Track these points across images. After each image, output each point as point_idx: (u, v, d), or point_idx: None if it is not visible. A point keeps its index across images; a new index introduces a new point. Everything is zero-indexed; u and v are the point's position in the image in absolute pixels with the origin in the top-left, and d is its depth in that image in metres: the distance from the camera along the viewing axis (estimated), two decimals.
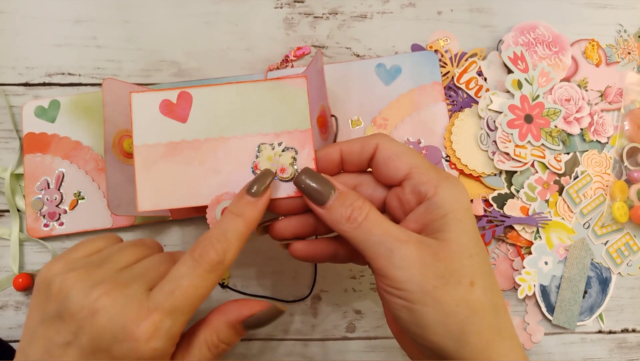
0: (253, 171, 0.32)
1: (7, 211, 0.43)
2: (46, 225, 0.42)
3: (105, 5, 0.45)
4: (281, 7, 0.46)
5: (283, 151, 0.33)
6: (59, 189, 0.42)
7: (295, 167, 0.32)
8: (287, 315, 0.43)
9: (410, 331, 0.27)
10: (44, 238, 0.42)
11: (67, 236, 0.42)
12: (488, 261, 0.28)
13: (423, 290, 0.26)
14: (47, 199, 0.42)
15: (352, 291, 0.43)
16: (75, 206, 0.42)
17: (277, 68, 0.45)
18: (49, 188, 0.42)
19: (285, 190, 0.32)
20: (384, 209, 0.32)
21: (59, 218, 0.42)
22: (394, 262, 0.26)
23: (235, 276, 0.43)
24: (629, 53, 0.47)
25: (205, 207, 0.32)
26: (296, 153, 0.33)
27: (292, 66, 0.45)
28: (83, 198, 0.42)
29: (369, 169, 0.32)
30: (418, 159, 0.29)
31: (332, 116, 0.39)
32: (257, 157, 0.33)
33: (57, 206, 0.42)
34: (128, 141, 0.39)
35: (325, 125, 0.39)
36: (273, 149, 0.33)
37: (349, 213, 0.28)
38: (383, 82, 0.45)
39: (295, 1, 0.46)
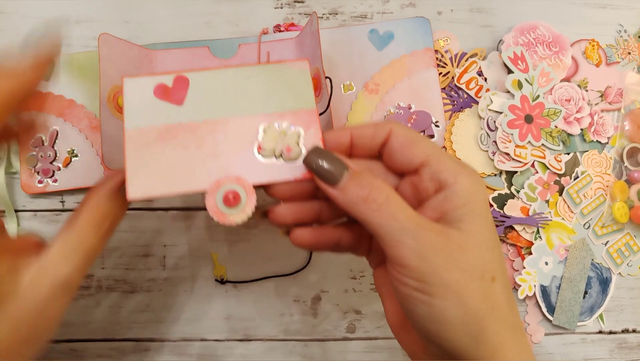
0: (257, 154, 0.30)
1: (2, 211, 0.43)
2: (40, 182, 0.43)
3: (105, 5, 0.45)
4: (281, 7, 0.46)
5: (288, 130, 0.31)
6: (52, 147, 0.43)
7: (302, 146, 0.30)
8: (287, 315, 0.43)
9: (425, 328, 0.26)
10: (38, 194, 0.43)
11: (61, 193, 0.43)
12: (502, 253, 0.28)
13: (446, 284, 0.24)
14: (41, 156, 0.43)
15: (353, 291, 0.43)
16: (68, 164, 0.43)
17: (278, 32, 0.45)
18: (43, 145, 0.43)
19: (292, 172, 0.29)
20: None
21: (52, 175, 0.43)
22: (416, 251, 0.25)
23: (235, 279, 0.43)
24: (629, 53, 0.47)
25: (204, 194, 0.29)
26: (302, 133, 0.31)
27: (286, 30, 0.45)
28: (76, 156, 0.43)
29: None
30: (434, 147, 0.28)
31: (327, 77, 0.39)
32: (260, 138, 0.30)
33: (51, 163, 0.43)
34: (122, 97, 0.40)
35: (318, 87, 0.39)
36: (278, 128, 0.30)
37: (367, 193, 0.26)
38: (375, 48, 0.45)
39: (295, 1, 0.46)
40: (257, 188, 0.29)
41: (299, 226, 0.30)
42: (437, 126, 0.44)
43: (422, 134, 0.30)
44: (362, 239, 0.30)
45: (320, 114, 0.39)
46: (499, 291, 0.25)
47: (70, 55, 0.44)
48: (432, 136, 0.44)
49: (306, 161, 0.28)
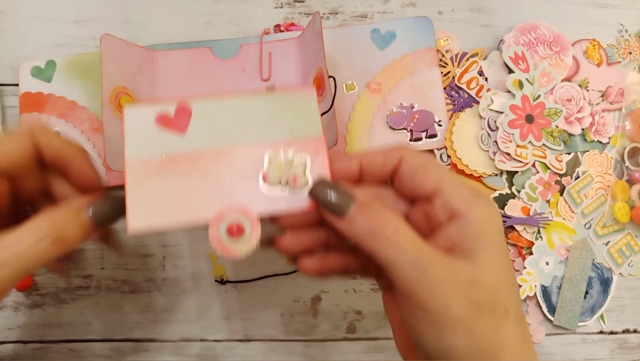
0: (262, 183, 0.29)
1: None
2: None
3: (105, 5, 0.45)
4: (281, 7, 0.46)
5: (294, 158, 0.30)
6: None
7: (308, 176, 0.29)
8: (287, 315, 0.43)
9: (435, 360, 0.25)
10: None
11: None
12: (517, 285, 0.27)
13: (456, 318, 0.24)
14: None
15: (353, 291, 0.43)
16: None
17: (279, 31, 0.45)
18: None
19: (299, 202, 0.28)
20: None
21: None
22: (426, 285, 0.24)
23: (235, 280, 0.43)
24: (630, 53, 0.47)
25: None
26: (309, 161, 0.30)
27: (286, 30, 0.45)
28: None
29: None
30: (447, 172, 0.27)
31: (330, 77, 0.39)
32: (266, 167, 0.29)
33: None
34: (125, 98, 0.40)
35: (321, 87, 0.39)
36: (283, 157, 0.29)
37: (374, 225, 0.25)
38: (377, 47, 0.45)
39: (295, 1, 0.46)
40: (262, 218, 0.28)
41: (305, 253, 0.29)
42: (440, 125, 0.44)
43: (434, 158, 0.28)
44: (370, 263, 0.29)
45: (324, 114, 0.39)
46: (511, 325, 0.25)
47: (72, 57, 0.44)
48: (434, 135, 0.44)
49: (312, 193, 0.28)
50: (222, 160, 0.29)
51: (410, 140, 0.44)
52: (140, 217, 0.28)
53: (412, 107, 0.44)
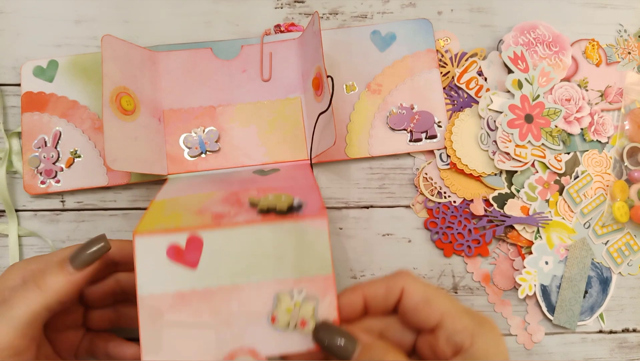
0: (270, 324, 0.29)
1: (3, 211, 0.43)
2: (43, 182, 0.43)
3: (106, 5, 0.45)
4: (281, 7, 0.46)
5: (303, 300, 0.30)
6: (55, 147, 0.43)
7: (317, 318, 0.29)
8: None
9: None
10: (40, 195, 0.43)
11: (62, 193, 0.43)
12: None
13: None
14: (44, 157, 0.43)
15: None
16: (71, 164, 0.43)
17: (279, 32, 0.45)
18: (46, 145, 0.43)
19: (306, 343, 0.29)
20: (413, 351, 0.30)
21: (55, 176, 0.43)
22: None
23: None
24: (629, 53, 0.47)
25: None
26: (317, 302, 0.30)
27: (286, 31, 0.45)
28: (79, 156, 0.43)
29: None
30: (449, 303, 0.27)
31: (329, 76, 0.39)
32: (274, 307, 0.30)
33: (53, 163, 0.43)
34: (125, 98, 0.40)
35: (320, 86, 0.40)
36: (292, 298, 0.30)
37: None
38: (378, 49, 0.45)
39: (295, 1, 0.46)
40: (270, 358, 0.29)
41: None
42: (440, 126, 0.44)
43: (436, 288, 0.28)
44: None
45: (322, 113, 0.39)
46: None
47: (74, 57, 0.44)
48: (434, 136, 0.44)
49: (316, 338, 0.28)
50: (233, 299, 0.29)
51: (410, 140, 0.44)
52: (154, 354, 0.29)
53: (412, 108, 0.45)
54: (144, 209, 0.43)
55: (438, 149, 0.44)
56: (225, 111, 0.44)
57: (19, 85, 0.44)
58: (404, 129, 0.44)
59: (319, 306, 0.30)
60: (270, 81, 0.44)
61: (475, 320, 0.27)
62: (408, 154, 0.45)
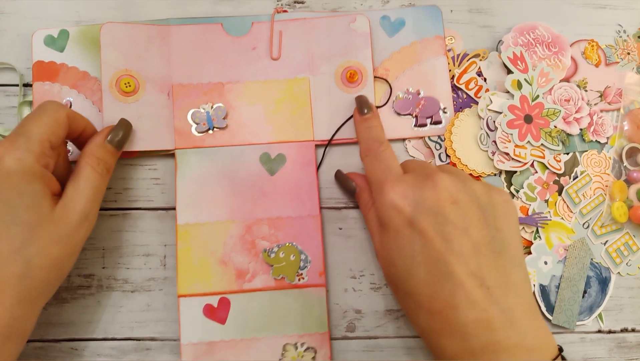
0: None
1: None
2: None
3: (106, 5, 0.45)
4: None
5: (305, 351, 0.39)
6: None
7: None
8: None
9: None
10: None
11: (72, 162, 0.42)
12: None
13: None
14: None
15: (352, 290, 0.43)
16: None
17: (285, 11, 0.46)
18: None
19: None
20: None
21: (65, 145, 0.42)
22: None
23: None
24: (629, 53, 0.47)
25: None
26: (315, 353, 0.40)
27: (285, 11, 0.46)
28: None
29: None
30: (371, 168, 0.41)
31: (382, 78, 0.44)
32: (282, 355, 0.39)
33: None
34: (125, 80, 0.42)
35: (354, 79, 0.43)
36: (296, 349, 0.39)
37: None
38: (387, 34, 0.46)
39: (295, 2, 0.46)
40: None
41: None
42: (445, 113, 0.45)
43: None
44: None
45: (379, 107, 0.44)
46: None
47: (85, 27, 0.44)
48: (439, 122, 0.44)
49: (336, 178, 0.43)
50: (251, 348, 0.39)
51: (415, 125, 0.45)
52: None
53: (419, 94, 0.45)
54: (144, 209, 0.43)
55: (437, 149, 0.44)
56: (233, 88, 0.44)
57: (17, 86, 0.44)
58: (409, 114, 0.45)
59: (317, 355, 0.39)
60: (279, 59, 0.44)
61: (376, 187, 0.37)
62: (408, 154, 0.45)
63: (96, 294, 0.42)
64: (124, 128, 0.39)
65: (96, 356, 0.41)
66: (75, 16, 0.45)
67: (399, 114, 0.45)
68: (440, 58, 0.45)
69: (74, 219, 0.34)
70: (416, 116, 0.45)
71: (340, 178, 0.43)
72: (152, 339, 0.42)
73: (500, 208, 0.34)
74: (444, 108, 0.45)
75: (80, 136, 0.38)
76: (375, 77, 0.44)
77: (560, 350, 0.32)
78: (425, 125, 0.45)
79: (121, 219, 0.43)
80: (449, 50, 0.46)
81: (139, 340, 0.41)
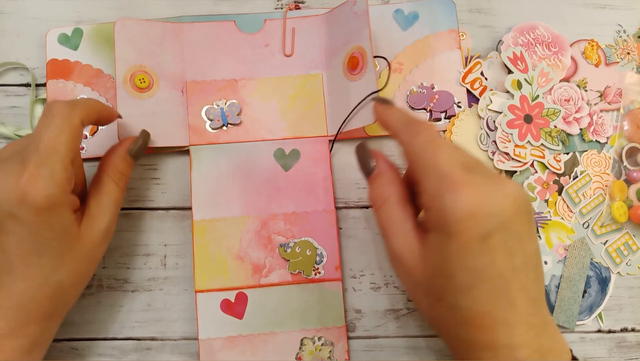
0: None
1: None
2: None
3: (106, 6, 0.45)
4: (281, 8, 0.46)
5: (322, 345, 0.39)
6: None
7: (333, 360, 0.39)
8: None
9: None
10: None
11: (86, 160, 0.42)
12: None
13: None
14: None
15: (352, 290, 0.43)
16: (95, 132, 0.43)
17: (297, 7, 0.46)
18: None
19: None
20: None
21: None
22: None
23: None
24: (628, 53, 0.47)
25: None
26: (333, 346, 0.39)
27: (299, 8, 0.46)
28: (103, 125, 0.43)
29: None
30: (440, 158, 0.32)
31: (380, 57, 0.43)
32: (300, 349, 0.39)
33: None
34: (139, 76, 0.42)
35: (359, 66, 0.41)
36: (314, 343, 0.39)
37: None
38: (400, 27, 0.46)
39: (295, 2, 0.46)
40: None
41: None
42: (459, 107, 0.45)
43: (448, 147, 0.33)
44: None
45: (374, 93, 0.40)
46: None
47: (97, 25, 0.44)
48: (453, 116, 0.45)
49: (357, 152, 0.36)
50: (269, 342, 0.39)
51: (430, 120, 0.45)
52: None
53: (433, 88, 0.45)
54: (144, 209, 0.43)
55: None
56: (247, 84, 0.44)
57: (19, 85, 0.44)
58: (424, 108, 0.45)
59: (335, 349, 0.39)
60: (292, 56, 0.45)
61: (444, 182, 0.29)
62: None
63: (97, 294, 0.42)
64: (144, 138, 0.39)
65: (97, 356, 0.41)
66: (75, 16, 0.45)
67: (413, 108, 0.45)
68: (454, 51, 0.45)
69: (98, 237, 0.34)
70: (430, 110, 0.45)
71: (361, 153, 0.36)
72: (153, 339, 0.42)
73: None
74: (458, 102, 0.45)
75: (97, 122, 0.37)
76: (375, 56, 0.42)
77: (574, 357, 0.32)
78: (439, 119, 0.45)
79: (121, 219, 0.43)
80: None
81: (140, 339, 0.42)
